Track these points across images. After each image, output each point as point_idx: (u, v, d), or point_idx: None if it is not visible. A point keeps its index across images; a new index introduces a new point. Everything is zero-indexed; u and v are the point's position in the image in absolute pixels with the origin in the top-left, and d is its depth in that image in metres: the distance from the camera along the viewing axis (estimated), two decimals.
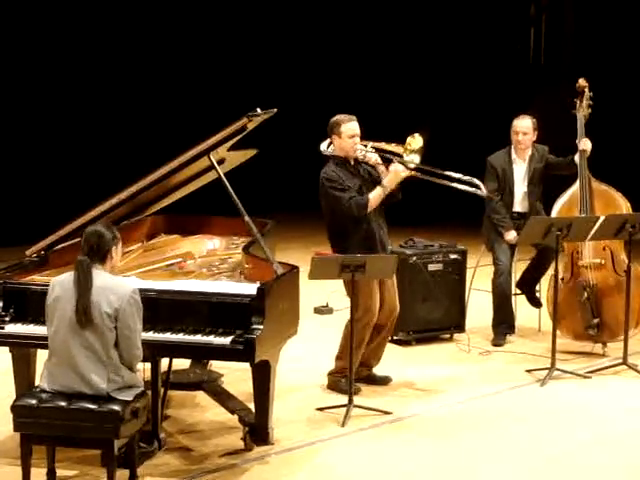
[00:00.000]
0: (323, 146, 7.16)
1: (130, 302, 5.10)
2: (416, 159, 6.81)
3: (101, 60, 13.60)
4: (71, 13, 13.30)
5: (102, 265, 5.18)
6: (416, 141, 6.83)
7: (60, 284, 5.18)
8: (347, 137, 6.90)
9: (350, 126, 6.91)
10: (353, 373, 6.65)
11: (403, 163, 6.83)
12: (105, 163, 13.00)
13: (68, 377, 5.09)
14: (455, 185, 6.88)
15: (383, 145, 6.97)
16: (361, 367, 7.11)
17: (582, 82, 8.18)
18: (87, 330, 5.05)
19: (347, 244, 6.89)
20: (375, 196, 6.85)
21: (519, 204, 8.42)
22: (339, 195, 6.83)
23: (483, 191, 6.97)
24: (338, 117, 6.98)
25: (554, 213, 8.06)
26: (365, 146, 6.96)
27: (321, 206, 6.99)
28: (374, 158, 6.92)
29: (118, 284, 5.16)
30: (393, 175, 6.84)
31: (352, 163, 6.98)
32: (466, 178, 6.89)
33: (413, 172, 6.86)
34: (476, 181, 6.93)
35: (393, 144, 6.94)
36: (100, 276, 5.13)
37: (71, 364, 5.08)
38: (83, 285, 5.07)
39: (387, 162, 6.92)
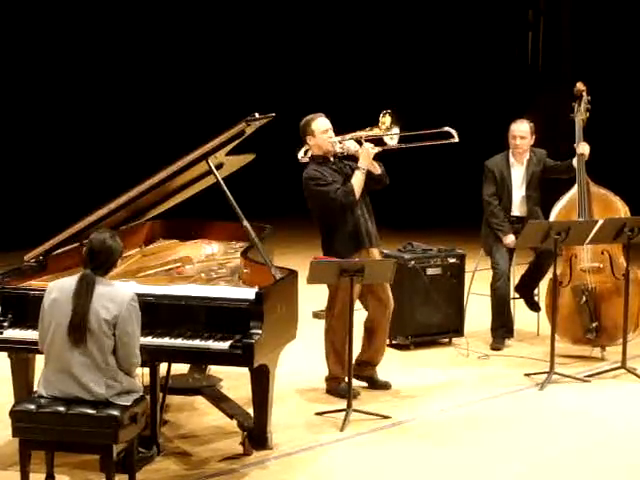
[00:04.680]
0: (300, 154, 7.18)
1: (129, 309, 5.07)
2: (396, 130, 6.87)
3: (100, 66, 13.63)
4: (72, 17, 13.32)
5: (104, 276, 5.16)
6: (386, 117, 6.87)
7: (58, 289, 5.14)
8: (320, 133, 6.91)
9: (320, 122, 6.94)
10: (351, 377, 6.65)
11: (385, 142, 6.87)
12: (104, 168, 13.01)
13: (66, 384, 5.07)
14: (430, 143, 6.94)
15: (358, 133, 6.99)
16: (366, 365, 7.12)
17: (580, 86, 8.18)
18: (86, 338, 5.03)
19: (334, 239, 6.91)
20: (357, 180, 6.87)
21: (517, 208, 8.42)
22: (325, 189, 6.84)
23: (455, 137, 6.98)
24: (306, 118, 7.00)
25: (552, 217, 8.07)
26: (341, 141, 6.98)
27: (308, 207, 7.00)
28: (353, 146, 6.93)
29: (116, 291, 5.11)
30: (365, 153, 6.87)
31: (332, 160, 6.99)
32: (436, 130, 6.95)
33: (386, 147, 6.91)
34: (446, 128, 6.97)
35: (367, 128, 6.96)
36: (99, 284, 5.09)
37: (68, 371, 5.05)
38: (82, 301, 5.01)
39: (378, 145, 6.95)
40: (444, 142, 6.98)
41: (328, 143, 6.92)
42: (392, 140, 6.89)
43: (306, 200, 6.99)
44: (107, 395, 5.05)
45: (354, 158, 6.98)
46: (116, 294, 5.09)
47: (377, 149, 6.90)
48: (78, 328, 5.01)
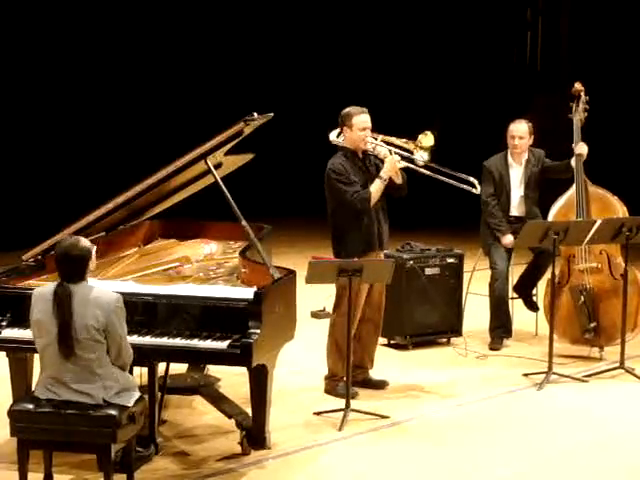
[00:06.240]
0: (332, 135, 7.18)
1: (116, 312, 5.04)
2: (425, 156, 6.89)
3: (100, 67, 13.63)
4: (72, 17, 13.32)
5: (82, 281, 5.09)
6: (427, 139, 6.91)
7: (42, 302, 5.05)
8: (358, 130, 6.91)
9: (362, 118, 6.92)
10: (350, 376, 6.65)
11: (412, 159, 6.88)
12: (102, 167, 13.01)
13: (63, 392, 5.04)
14: (451, 182, 6.95)
15: (394, 139, 7.00)
16: (357, 370, 7.11)
17: (578, 86, 8.18)
18: (76, 349, 5.01)
19: (347, 238, 6.92)
20: (376, 189, 6.89)
21: (516, 208, 8.42)
22: (344, 189, 6.86)
23: (478, 189, 7.02)
24: (350, 109, 6.98)
25: (551, 217, 8.07)
26: (375, 139, 6.98)
27: (325, 196, 7.01)
28: (383, 152, 6.94)
29: (101, 296, 5.04)
30: (389, 165, 6.88)
31: (360, 156, 7.00)
32: (462, 176, 6.98)
33: (410, 164, 6.92)
34: (472, 179, 7.00)
35: (404, 139, 6.98)
36: (81, 290, 5.03)
37: (65, 384, 5.04)
38: (63, 320, 4.96)
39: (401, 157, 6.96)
40: (465, 188, 7.02)
41: (362, 141, 6.93)
42: (419, 161, 6.91)
43: (324, 188, 6.99)
44: (106, 397, 5.03)
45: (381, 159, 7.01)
46: (101, 299, 5.02)
47: (402, 164, 6.91)
48: (66, 343, 4.98)
